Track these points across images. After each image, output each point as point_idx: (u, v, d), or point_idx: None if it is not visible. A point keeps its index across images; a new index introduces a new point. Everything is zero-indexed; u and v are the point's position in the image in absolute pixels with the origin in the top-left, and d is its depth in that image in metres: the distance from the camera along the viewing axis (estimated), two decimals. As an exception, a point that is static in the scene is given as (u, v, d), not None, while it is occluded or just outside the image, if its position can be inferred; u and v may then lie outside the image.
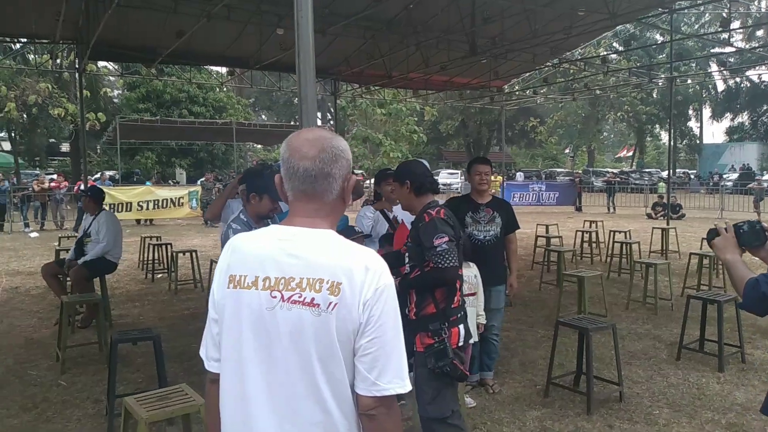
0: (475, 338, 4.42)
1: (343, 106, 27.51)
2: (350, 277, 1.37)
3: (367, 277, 1.38)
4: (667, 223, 12.79)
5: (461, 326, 2.97)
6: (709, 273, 8.46)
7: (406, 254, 3.15)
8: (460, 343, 2.95)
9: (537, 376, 5.09)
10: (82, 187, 11.10)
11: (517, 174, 36.20)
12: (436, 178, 3.40)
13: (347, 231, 4.33)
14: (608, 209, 23.05)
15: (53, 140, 39.10)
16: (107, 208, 17.02)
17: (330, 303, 1.36)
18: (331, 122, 17.89)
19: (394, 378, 1.38)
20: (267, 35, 9.95)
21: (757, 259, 2.27)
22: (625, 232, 11.23)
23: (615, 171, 33.62)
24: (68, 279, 6.62)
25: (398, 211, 4.85)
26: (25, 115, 27.01)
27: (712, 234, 2.27)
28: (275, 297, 1.40)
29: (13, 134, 31.88)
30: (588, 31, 9.46)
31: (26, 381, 5.06)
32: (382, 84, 13.89)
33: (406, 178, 3.19)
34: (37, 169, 34.63)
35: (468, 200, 4.81)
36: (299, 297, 1.38)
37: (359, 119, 31.57)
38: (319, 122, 45.79)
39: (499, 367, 5.18)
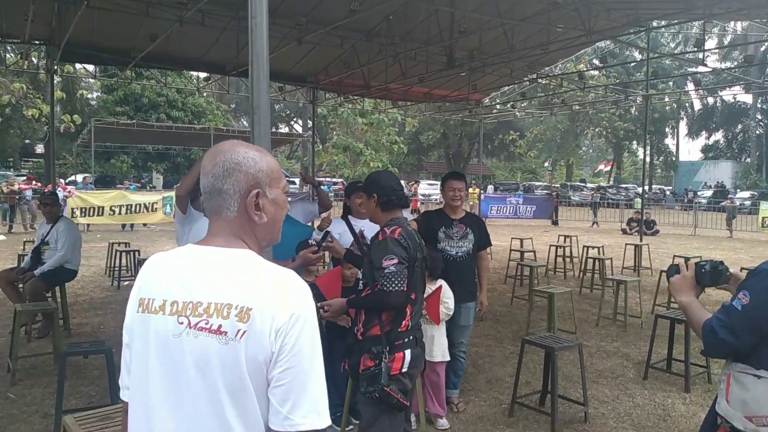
0: (444, 358, 4.35)
1: (325, 114, 27.42)
2: (262, 301, 1.25)
3: (281, 301, 1.26)
4: (641, 240, 12.86)
5: (408, 351, 2.82)
6: (680, 291, 8.48)
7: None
8: (404, 369, 2.79)
9: (503, 394, 5.01)
10: (60, 189, 10.84)
11: (488, 187, 36.55)
12: (405, 190, 3.29)
13: (301, 244, 4.21)
14: (593, 224, 23.82)
15: (28, 141, 38.42)
16: (79, 212, 16.92)
17: (238, 330, 1.23)
18: (311, 130, 17.85)
19: (310, 412, 1.25)
20: (244, 42, 9.82)
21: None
22: (599, 248, 11.27)
23: (593, 186, 34.15)
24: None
25: (366, 224, 4.75)
26: (-2, 116, 26.48)
27: (672, 271, 2.21)
28: (182, 323, 1.28)
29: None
30: (566, 47, 9.50)
31: (-27, 393, 4.85)
32: (361, 93, 13.83)
33: (374, 191, 3.07)
34: (11, 170, 33.96)
35: (441, 215, 4.73)
36: (206, 324, 1.26)
37: (340, 128, 31.52)
38: (299, 128, 45.64)
39: (465, 384, 5.10)
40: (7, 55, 20.77)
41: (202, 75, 17.76)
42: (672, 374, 5.52)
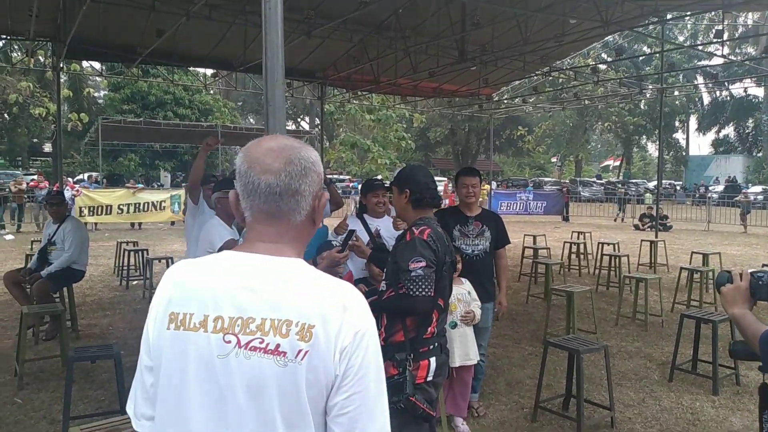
0: (476, 359, 4.19)
1: (332, 111, 27.27)
2: (325, 318, 1.10)
3: (345, 318, 1.11)
4: (656, 236, 12.64)
5: (433, 359, 2.65)
6: (700, 288, 8.28)
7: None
8: (429, 378, 2.61)
9: (524, 397, 4.83)
10: (66, 188, 10.74)
11: (492, 183, 36.38)
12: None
13: (325, 246, 4.06)
14: (618, 219, 23.82)
15: (36, 140, 38.47)
16: (87, 211, 16.84)
17: (299, 351, 1.09)
18: (318, 126, 17.63)
19: None
20: (252, 36, 9.67)
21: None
22: (614, 244, 11.07)
23: (614, 181, 34.38)
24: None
25: (382, 223, 4.58)
26: (6, 114, 26.47)
27: (723, 279, 1.97)
28: (229, 342, 1.11)
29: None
30: (580, 39, 9.29)
31: (-21, 398, 4.72)
32: (370, 89, 13.67)
33: (406, 186, 2.87)
34: (19, 169, 34.02)
35: (456, 212, 4.56)
36: (260, 343, 1.10)
37: (348, 124, 31.37)
38: (306, 125, 45.54)
39: (484, 387, 4.92)
40: (14, 54, 20.80)
41: (209, 72, 17.64)
42: (698, 376, 5.32)
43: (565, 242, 11.76)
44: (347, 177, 32.60)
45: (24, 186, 17.60)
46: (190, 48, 10.49)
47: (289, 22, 8.87)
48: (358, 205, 4.99)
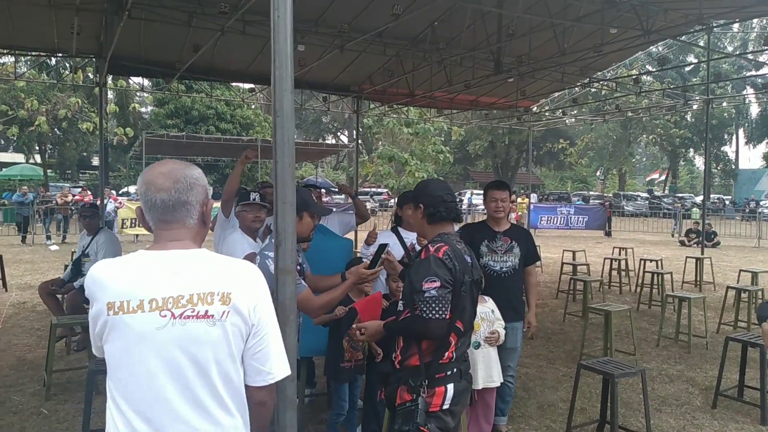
0: (499, 380, 4.02)
1: (370, 125, 27.33)
2: (237, 286, 1.55)
3: (251, 285, 1.58)
4: (702, 253, 12.13)
5: (450, 386, 2.48)
6: (748, 308, 7.87)
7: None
8: (445, 405, 2.46)
9: (556, 422, 4.61)
10: (106, 201, 10.99)
11: (531, 195, 35.70)
12: (458, 200, 2.95)
13: (354, 261, 3.97)
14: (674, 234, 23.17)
15: (85, 154, 39.82)
16: (129, 223, 17.21)
17: (223, 312, 1.52)
18: (356, 141, 17.70)
19: (282, 365, 1.63)
20: (287, 52, 9.73)
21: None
22: (657, 261, 10.65)
23: (660, 194, 33.35)
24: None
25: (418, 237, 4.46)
26: (56, 129, 27.43)
27: (766, 312, 1.78)
28: (165, 316, 1.48)
29: (43, 147, 32.42)
30: (622, 49, 9.01)
31: (7, 407, 4.77)
32: (405, 102, 13.59)
33: (420, 201, 2.73)
34: (68, 182, 35.20)
35: (484, 228, 4.40)
36: (192, 312, 1.49)
37: (385, 138, 31.39)
38: (345, 139, 45.79)
39: (514, 410, 4.73)
40: (66, 72, 21.55)
41: (248, 86, 17.89)
42: (745, 403, 5.00)
43: (605, 258, 11.40)
44: (385, 190, 32.56)
45: (70, 198, 18.12)
46: (228, 63, 10.60)
47: (324, 37, 8.89)
48: (393, 218, 4.87)
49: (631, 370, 4.17)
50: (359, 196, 5.53)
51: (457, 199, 5.19)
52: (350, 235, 5.89)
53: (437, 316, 2.42)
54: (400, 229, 4.48)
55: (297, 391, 4.54)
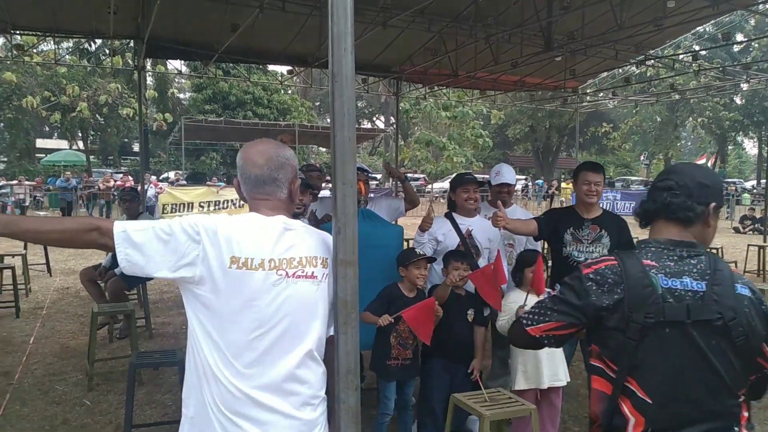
0: (566, 379, 3.70)
1: (407, 109, 26.91)
2: (329, 253, 1.81)
3: (333, 252, 1.74)
4: (764, 240, 11.45)
5: None
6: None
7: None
8: None
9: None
10: (145, 186, 10.94)
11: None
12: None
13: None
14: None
15: (126, 140, 40.41)
16: (169, 208, 17.27)
17: (324, 274, 1.81)
18: (394, 125, 17.26)
19: None
20: (327, 31, 9.42)
21: None
22: (717, 249, 10.07)
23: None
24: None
25: (474, 223, 4.12)
26: (97, 115, 27.78)
27: None
28: (281, 275, 1.73)
29: (85, 133, 32.97)
30: (682, 23, 8.40)
31: (50, 397, 4.65)
32: (447, 83, 13.15)
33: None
34: (110, 168, 35.80)
35: (570, 214, 4.00)
36: (302, 272, 1.76)
37: (423, 122, 30.94)
38: (381, 124, 45.41)
39: (579, 410, 4.38)
40: (108, 59, 21.73)
41: (285, 71, 17.70)
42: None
43: (659, 246, 10.84)
44: (422, 176, 32.16)
45: (112, 183, 18.29)
46: (266, 44, 10.35)
47: (366, 13, 8.55)
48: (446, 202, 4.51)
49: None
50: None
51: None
52: (402, 221, 5.56)
53: (529, 325, 1.82)
54: (454, 214, 4.16)
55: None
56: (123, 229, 1.67)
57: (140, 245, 1.67)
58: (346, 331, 1.80)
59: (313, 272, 1.75)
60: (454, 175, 5.03)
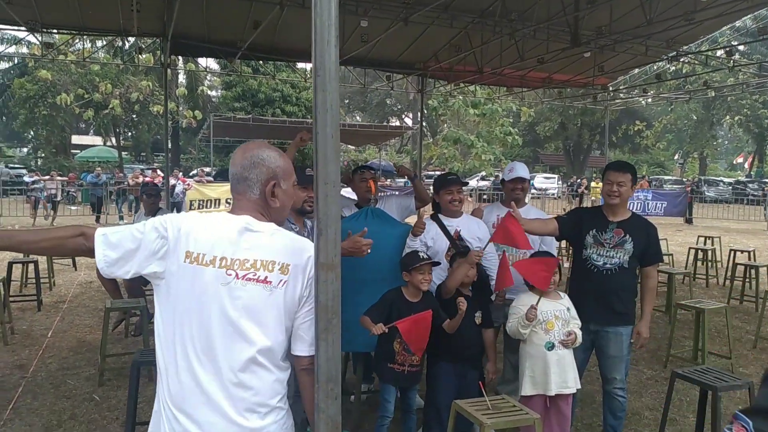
0: (576, 386, 3.56)
1: (435, 106, 26.68)
2: (296, 259, 1.75)
3: (307, 259, 1.74)
4: (801, 243, 11.00)
5: None
6: None
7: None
8: None
9: (642, 434, 4.08)
10: (175, 182, 11.05)
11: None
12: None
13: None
14: None
15: (158, 137, 41.04)
16: (196, 204, 17.45)
17: (281, 281, 1.72)
18: (420, 121, 17.10)
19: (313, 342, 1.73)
20: (351, 27, 9.34)
21: None
22: (750, 252, 9.71)
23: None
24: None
25: (461, 223, 3.98)
26: (129, 112, 28.26)
27: None
28: (230, 275, 1.69)
29: (118, 130, 33.59)
30: (715, 17, 8.09)
31: (60, 392, 4.68)
32: (472, 80, 12.97)
33: None
34: (143, 164, 36.41)
35: (596, 215, 3.81)
36: (253, 275, 1.70)
37: (451, 120, 30.67)
38: (409, 122, 45.26)
39: (594, 418, 4.23)
40: (135, 55, 22.10)
41: (309, 66, 17.71)
42: None
43: (690, 248, 10.50)
44: (453, 175, 31.89)
45: (141, 179, 18.56)
46: (289, 41, 10.33)
47: (387, 10, 8.46)
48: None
49: (736, 382, 3.58)
50: (424, 180, 5.09)
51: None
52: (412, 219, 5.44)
53: None
54: (441, 216, 4.02)
55: (353, 386, 4.24)
56: (103, 233, 1.74)
57: (115, 245, 1.72)
58: (326, 338, 1.71)
59: (266, 277, 1.69)
60: (435, 176, 4.91)
